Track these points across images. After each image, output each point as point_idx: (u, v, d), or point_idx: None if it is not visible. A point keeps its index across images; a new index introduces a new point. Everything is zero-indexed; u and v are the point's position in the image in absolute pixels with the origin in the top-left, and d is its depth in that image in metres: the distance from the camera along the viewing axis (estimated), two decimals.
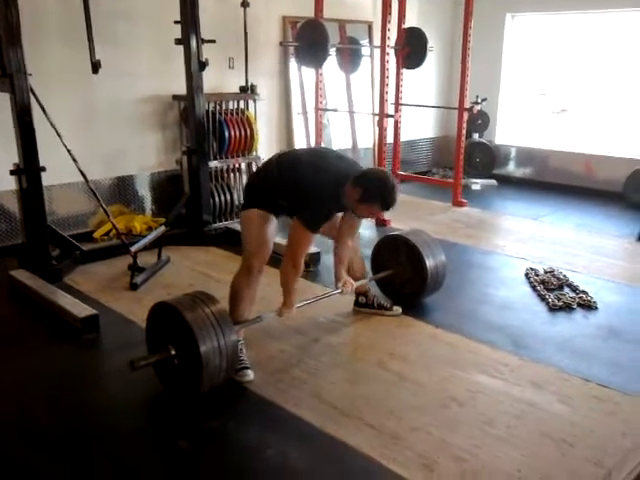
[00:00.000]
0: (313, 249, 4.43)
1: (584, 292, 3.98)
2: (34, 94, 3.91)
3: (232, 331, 2.67)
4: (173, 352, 2.67)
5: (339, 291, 3.38)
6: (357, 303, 3.69)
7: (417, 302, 3.77)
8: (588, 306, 3.82)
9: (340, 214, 3.18)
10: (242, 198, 3.12)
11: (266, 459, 2.40)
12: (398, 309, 3.66)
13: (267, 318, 3.10)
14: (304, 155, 3.13)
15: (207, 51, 4.70)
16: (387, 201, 2.84)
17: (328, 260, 4.36)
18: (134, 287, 3.98)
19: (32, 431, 2.58)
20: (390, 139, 6.36)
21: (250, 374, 2.91)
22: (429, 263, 3.59)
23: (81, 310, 3.46)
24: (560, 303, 3.81)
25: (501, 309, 3.82)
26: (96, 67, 4.02)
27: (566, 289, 4.10)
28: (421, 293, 3.71)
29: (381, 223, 5.56)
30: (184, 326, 2.57)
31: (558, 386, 2.90)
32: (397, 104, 6.61)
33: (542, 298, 3.93)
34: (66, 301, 3.60)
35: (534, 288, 4.09)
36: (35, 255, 4.08)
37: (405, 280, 3.73)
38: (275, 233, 3.06)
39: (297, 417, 2.63)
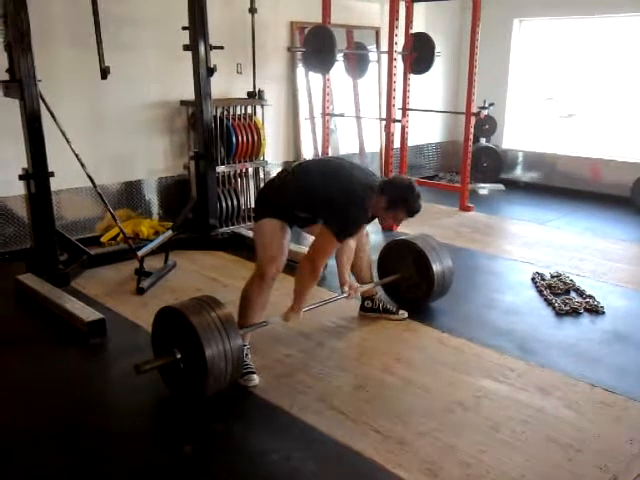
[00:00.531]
0: None
1: (591, 297, 3.96)
2: (43, 100, 3.94)
3: (237, 335, 2.68)
4: (178, 356, 2.68)
5: (345, 295, 3.39)
6: (363, 307, 3.70)
7: (424, 307, 3.76)
8: (595, 311, 3.80)
9: None
10: (254, 210, 3.12)
11: (271, 463, 2.40)
12: (404, 313, 3.65)
13: (273, 322, 3.10)
14: (325, 167, 3.12)
15: (215, 57, 4.73)
16: (413, 208, 2.95)
17: (334, 265, 4.38)
18: (141, 291, 4.00)
19: (38, 434, 2.59)
20: (397, 144, 6.36)
21: (255, 378, 2.91)
22: (436, 268, 3.60)
23: (88, 314, 3.48)
24: (567, 308, 3.80)
25: (507, 314, 3.81)
26: (105, 73, 4.06)
27: (573, 294, 4.09)
28: (428, 298, 3.71)
29: (388, 228, 5.55)
30: (189, 330, 2.58)
31: (564, 391, 2.89)
32: (404, 109, 6.61)
33: (549, 303, 3.92)
34: (73, 305, 3.62)
35: (540, 293, 4.08)
36: (43, 259, 4.10)
37: (412, 285, 3.73)
38: (289, 242, 3.05)
39: (302, 422, 2.64)
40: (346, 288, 3.36)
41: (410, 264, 3.72)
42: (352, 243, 3.30)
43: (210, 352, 2.54)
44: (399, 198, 2.92)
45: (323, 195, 2.90)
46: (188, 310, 2.65)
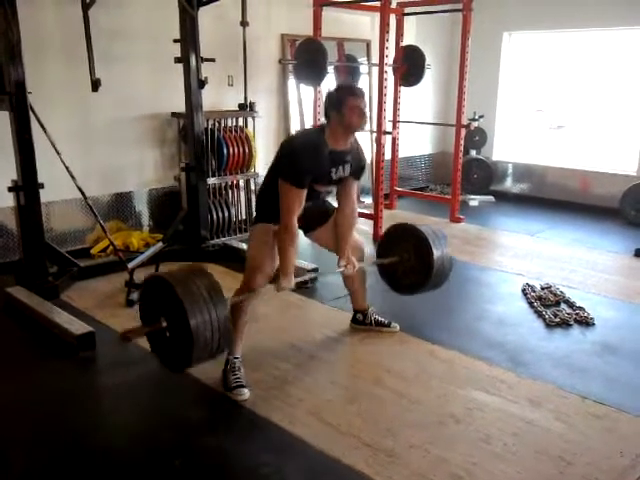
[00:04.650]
0: (311, 265, 4.43)
1: (581, 308, 3.98)
2: (33, 112, 3.94)
3: (224, 304, 2.58)
4: (164, 324, 2.57)
5: (341, 270, 3.32)
6: (355, 320, 3.69)
7: (418, 293, 3.62)
8: (585, 322, 3.82)
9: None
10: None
11: (261, 477, 2.38)
12: (395, 326, 3.65)
13: (265, 292, 3.01)
14: None
15: (206, 69, 4.74)
16: (350, 88, 3.04)
17: (326, 277, 4.38)
18: (130, 304, 3.98)
19: (26, 448, 2.57)
20: (388, 155, 6.38)
21: (246, 392, 2.89)
22: (436, 254, 3.45)
23: (77, 327, 3.45)
24: (557, 319, 3.81)
25: (498, 325, 3.81)
26: (96, 85, 4.06)
27: (563, 305, 4.10)
28: (424, 285, 3.54)
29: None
30: (175, 299, 2.47)
31: (555, 403, 2.90)
32: (395, 121, 6.65)
33: (539, 314, 3.93)
34: (62, 318, 3.59)
35: (531, 304, 4.09)
36: (32, 272, 4.08)
37: (409, 269, 3.58)
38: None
39: (293, 435, 2.62)
40: (343, 262, 3.29)
41: (410, 248, 3.58)
42: (349, 209, 3.24)
43: (195, 321, 2.43)
44: (333, 98, 2.97)
45: (277, 163, 3.01)
46: (174, 279, 2.55)
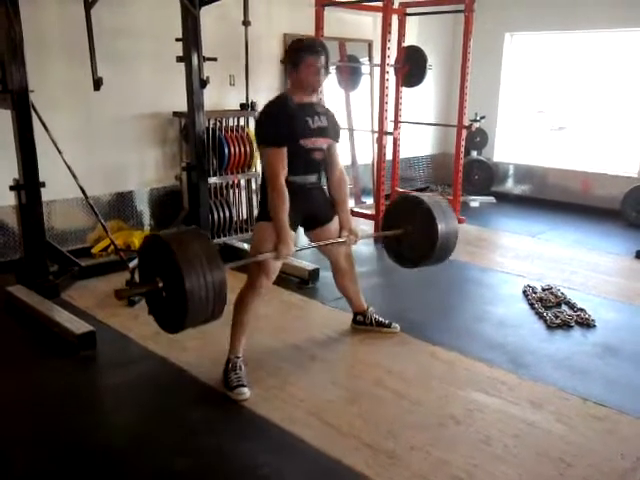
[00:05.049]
0: (311, 265, 4.44)
1: (582, 310, 3.98)
2: (35, 110, 3.93)
3: (219, 266, 2.55)
4: (161, 285, 2.54)
5: (343, 240, 3.27)
6: (355, 321, 3.69)
7: (422, 266, 3.54)
8: (586, 324, 3.81)
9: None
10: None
11: (262, 477, 2.38)
12: (396, 327, 3.65)
13: (264, 257, 2.95)
14: None
15: (208, 68, 4.74)
16: (309, 44, 3.00)
17: (327, 277, 4.37)
18: (131, 303, 3.98)
19: (27, 447, 2.57)
20: (389, 156, 6.37)
21: (246, 392, 2.89)
22: (441, 228, 3.34)
23: (78, 326, 3.45)
24: (558, 321, 3.81)
25: (499, 327, 3.81)
26: (98, 84, 4.05)
27: (564, 307, 4.10)
28: (428, 258, 3.45)
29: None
30: (171, 259, 2.45)
31: (556, 405, 2.89)
32: (396, 121, 6.64)
33: (540, 316, 3.93)
34: (63, 317, 3.59)
35: (532, 306, 4.09)
36: (33, 271, 4.07)
37: (413, 242, 3.50)
38: None
39: (293, 435, 2.62)
40: (346, 232, 3.27)
41: (415, 221, 3.48)
42: (337, 172, 3.24)
43: (189, 283, 2.41)
44: (291, 53, 3.00)
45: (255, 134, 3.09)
46: (172, 239, 2.54)
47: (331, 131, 3.11)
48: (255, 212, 5.49)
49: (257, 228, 3.08)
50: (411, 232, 3.49)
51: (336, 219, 3.27)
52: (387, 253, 3.63)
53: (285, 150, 2.89)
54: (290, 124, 2.92)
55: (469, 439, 2.62)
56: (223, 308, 2.58)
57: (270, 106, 3.00)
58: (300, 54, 2.94)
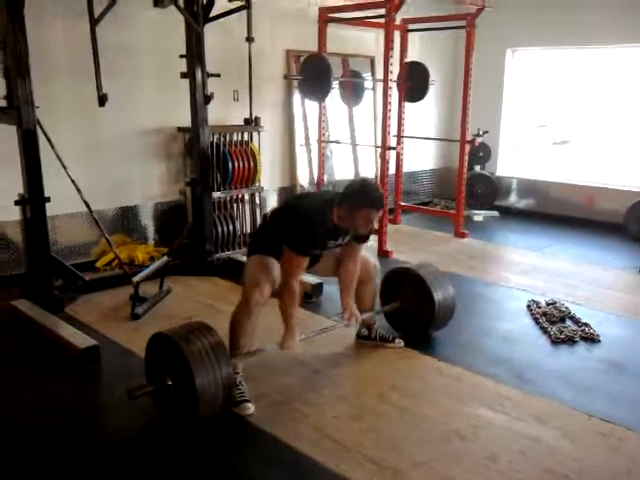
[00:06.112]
0: (315, 280, 4.43)
1: (586, 325, 3.96)
2: (40, 126, 3.96)
3: (228, 362, 2.70)
4: (170, 382, 2.68)
5: (344, 323, 3.37)
6: (359, 335, 3.68)
7: (427, 335, 3.75)
8: (591, 339, 3.80)
9: (337, 250, 3.26)
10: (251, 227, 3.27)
11: None
12: (400, 342, 3.64)
13: (269, 350, 3.09)
14: (290, 198, 3.40)
15: (212, 84, 4.77)
16: (373, 198, 2.97)
17: (330, 291, 4.38)
18: (135, 317, 3.98)
19: (30, 461, 2.56)
20: (392, 170, 6.40)
21: (250, 407, 2.88)
22: (437, 296, 3.57)
23: (82, 341, 3.45)
24: (562, 336, 3.80)
25: (504, 342, 3.80)
26: (103, 100, 4.08)
27: (568, 322, 4.09)
28: (430, 326, 3.68)
29: (383, 254, 5.57)
30: (180, 357, 2.58)
31: (561, 421, 2.88)
32: (399, 136, 6.67)
33: (544, 331, 3.92)
34: (67, 332, 3.59)
35: (536, 320, 4.08)
36: (37, 285, 4.08)
37: (414, 313, 3.70)
38: (278, 274, 3.05)
39: (298, 451, 2.61)
40: (346, 315, 3.34)
41: (410, 292, 3.70)
42: (352, 266, 3.29)
43: (200, 380, 2.54)
44: (356, 196, 2.96)
45: (282, 217, 3.10)
46: (179, 337, 2.65)
47: (354, 238, 3.19)
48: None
49: (249, 262, 3.15)
50: (409, 304, 3.71)
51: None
52: (390, 326, 3.82)
53: (307, 259, 2.99)
54: (316, 242, 3.00)
55: (474, 455, 2.60)
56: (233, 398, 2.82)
57: (308, 217, 2.97)
58: (362, 204, 2.94)
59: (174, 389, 2.69)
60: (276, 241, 3.02)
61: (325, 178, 6.49)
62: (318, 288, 4.46)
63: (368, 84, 6.92)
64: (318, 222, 2.95)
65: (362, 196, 2.95)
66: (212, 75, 4.76)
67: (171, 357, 2.66)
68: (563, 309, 4.22)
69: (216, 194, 5.18)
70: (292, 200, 3.48)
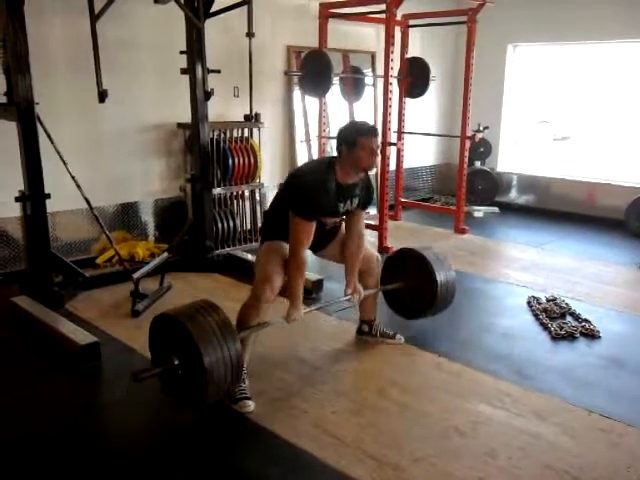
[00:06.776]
0: (315, 276, 4.43)
1: (587, 321, 3.96)
2: (41, 122, 3.96)
3: (235, 339, 2.62)
4: (177, 362, 2.61)
5: (347, 298, 3.36)
6: (359, 331, 3.68)
7: (427, 316, 3.73)
8: (591, 335, 3.80)
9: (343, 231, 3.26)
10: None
11: None
12: (401, 338, 3.64)
13: (275, 323, 3.05)
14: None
15: (212, 80, 4.77)
16: (365, 128, 3.00)
17: (330, 287, 4.38)
18: (136, 314, 3.98)
19: (30, 458, 2.56)
20: (393, 166, 6.39)
21: (250, 404, 2.88)
22: (439, 278, 3.55)
23: (82, 337, 3.46)
24: (562, 332, 3.80)
25: (504, 338, 3.80)
26: (103, 96, 4.07)
27: (568, 317, 4.09)
28: (431, 308, 3.64)
29: (384, 250, 5.57)
30: (187, 337, 2.52)
31: (561, 417, 2.88)
32: (399, 132, 6.66)
33: (545, 327, 3.92)
34: (67, 328, 3.60)
35: (536, 317, 4.08)
36: (38, 281, 4.09)
37: (416, 295, 3.66)
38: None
39: (298, 448, 2.61)
40: (350, 291, 3.34)
41: (413, 273, 3.66)
42: (357, 237, 3.27)
43: (208, 359, 2.48)
44: (347, 133, 2.99)
45: (287, 196, 3.02)
46: (184, 316, 2.59)
47: (360, 203, 3.17)
48: (259, 222, 5.53)
49: (262, 248, 3.15)
50: (411, 286, 3.67)
51: (341, 232, 3.32)
52: (389, 306, 3.81)
53: (314, 224, 2.96)
54: (323, 205, 2.97)
55: (474, 451, 2.60)
56: (239, 377, 2.73)
57: (314, 184, 2.95)
58: (356, 136, 2.95)
59: (181, 370, 2.61)
60: (283, 215, 2.98)
61: None
62: (318, 284, 4.45)
63: (369, 80, 6.92)
64: (320, 182, 2.94)
65: (354, 130, 3.00)
66: (212, 71, 4.75)
67: (177, 337, 2.59)
68: (563, 305, 4.22)
69: (216, 190, 5.18)
70: (294, 170, 3.44)
